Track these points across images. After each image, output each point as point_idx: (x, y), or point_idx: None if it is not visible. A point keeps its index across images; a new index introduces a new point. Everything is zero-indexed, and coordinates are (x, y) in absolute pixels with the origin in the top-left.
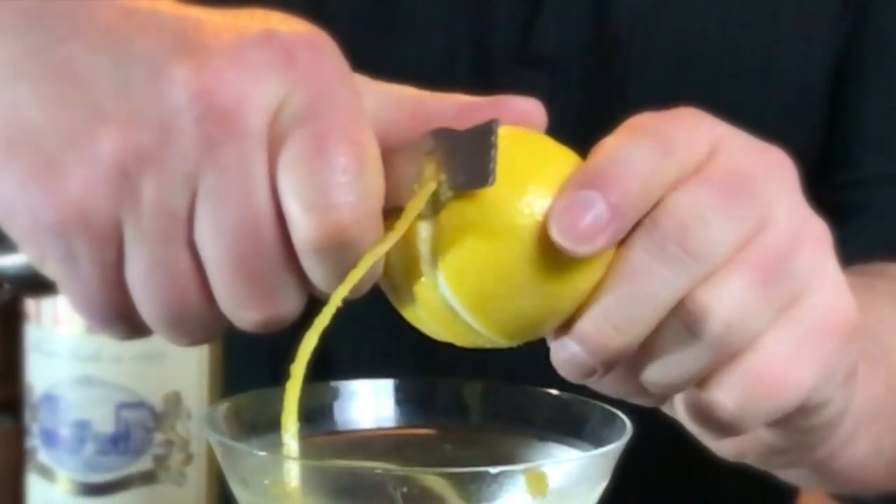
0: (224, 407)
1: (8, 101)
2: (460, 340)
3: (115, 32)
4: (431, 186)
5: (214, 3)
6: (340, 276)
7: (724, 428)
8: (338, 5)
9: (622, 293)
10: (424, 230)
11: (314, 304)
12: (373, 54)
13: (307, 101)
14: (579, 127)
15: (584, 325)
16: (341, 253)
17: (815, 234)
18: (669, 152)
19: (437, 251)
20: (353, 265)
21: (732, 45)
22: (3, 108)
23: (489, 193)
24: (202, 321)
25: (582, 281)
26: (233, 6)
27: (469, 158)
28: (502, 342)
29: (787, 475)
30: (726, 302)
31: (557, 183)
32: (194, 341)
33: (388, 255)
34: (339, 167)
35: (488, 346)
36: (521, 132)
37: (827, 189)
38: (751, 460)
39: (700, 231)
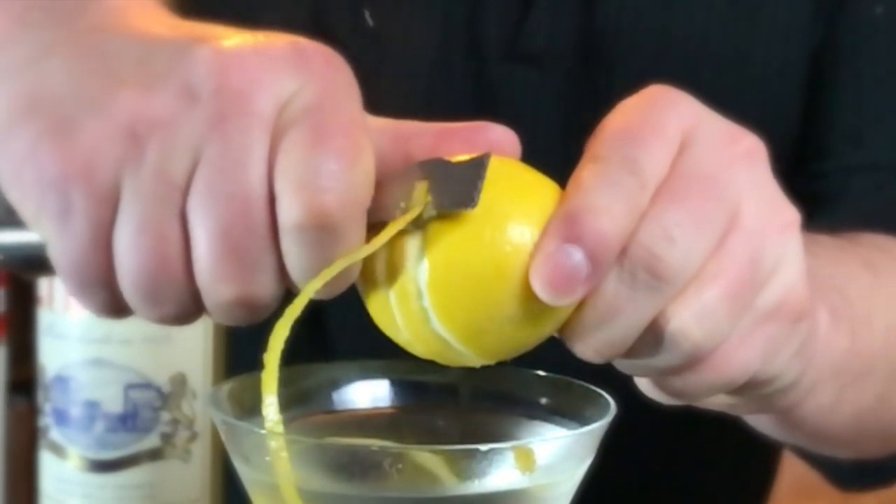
0: (227, 387)
1: (35, 74)
2: (449, 362)
3: (146, 28)
4: (418, 208)
5: (219, 15)
6: (315, 264)
7: (672, 397)
8: (338, 3)
9: (599, 326)
10: (412, 269)
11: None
12: (372, 51)
13: (316, 98)
14: (567, 120)
15: (570, 347)
16: (321, 236)
17: (783, 220)
18: (643, 184)
19: (426, 288)
20: (330, 256)
21: (713, 42)
22: (29, 80)
23: (474, 231)
24: (177, 295)
25: (565, 307)
26: (236, 13)
27: (457, 185)
28: (490, 362)
29: (755, 421)
30: (699, 322)
31: (539, 219)
32: (163, 316)
33: (375, 287)
34: (332, 154)
35: (476, 366)
36: (502, 163)
37: (803, 179)
38: (713, 408)
39: (668, 254)
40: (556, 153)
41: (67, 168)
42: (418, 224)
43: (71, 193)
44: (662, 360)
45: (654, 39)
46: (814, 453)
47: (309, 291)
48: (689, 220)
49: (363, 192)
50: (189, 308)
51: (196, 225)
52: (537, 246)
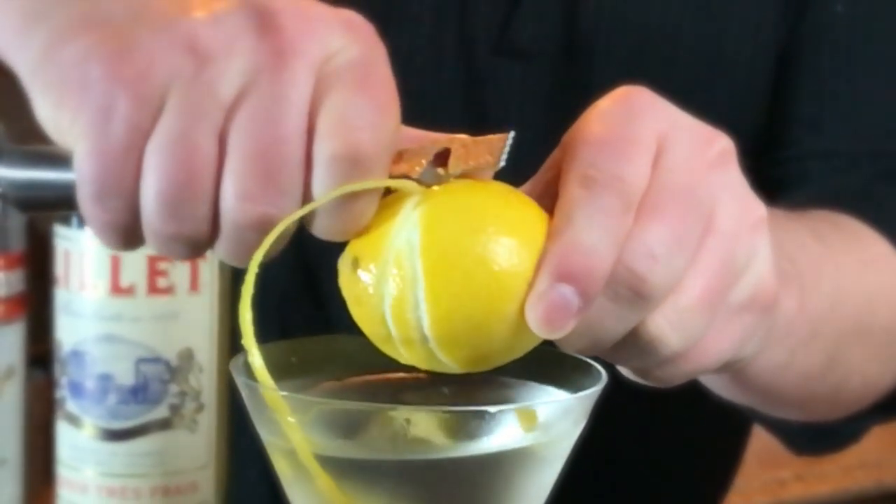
0: (244, 357)
1: (92, 2)
2: (438, 371)
3: None
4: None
5: None
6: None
7: (648, 381)
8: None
9: (581, 334)
10: (413, 319)
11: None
12: None
13: (360, 57)
14: (552, 112)
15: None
16: (350, 169)
17: (753, 218)
18: (628, 205)
19: (431, 336)
20: (354, 181)
21: (687, 37)
22: (88, 4)
23: (470, 280)
24: (196, 212)
25: None
26: None
27: (481, 150)
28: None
29: (707, 380)
30: (675, 329)
31: (531, 253)
32: (177, 236)
33: (375, 326)
34: (372, 102)
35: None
36: (487, 193)
37: (768, 165)
38: None
39: (651, 273)
40: (541, 144)
41: (122, 69)
42: (441, 179)
43: (117, 95)
44: (641, 360)
45: (633, 35)
46: (768, 416)
47: (254, 265)
48: (671, 237)
49: (392, 141)
50: (203, 232)
51: (235, 143)
52: (531, 285)
